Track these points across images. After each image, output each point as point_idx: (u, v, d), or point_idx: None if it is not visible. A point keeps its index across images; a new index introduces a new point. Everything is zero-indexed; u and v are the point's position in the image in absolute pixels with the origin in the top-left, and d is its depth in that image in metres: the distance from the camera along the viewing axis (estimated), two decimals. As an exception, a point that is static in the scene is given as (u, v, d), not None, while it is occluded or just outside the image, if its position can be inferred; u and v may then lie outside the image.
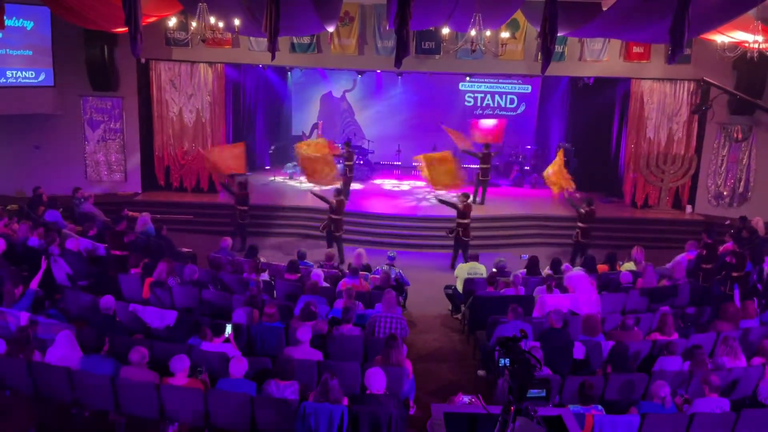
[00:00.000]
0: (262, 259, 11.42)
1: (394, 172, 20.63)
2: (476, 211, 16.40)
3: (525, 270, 11.09)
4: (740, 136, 16.59)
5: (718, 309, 8.81)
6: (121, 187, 17.08)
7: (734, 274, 10.61)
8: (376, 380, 6.08)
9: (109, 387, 6.19)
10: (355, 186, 17.97)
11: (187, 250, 12.35)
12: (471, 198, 14.39)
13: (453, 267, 13.02)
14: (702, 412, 6.13)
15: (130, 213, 13.41)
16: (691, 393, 6.72)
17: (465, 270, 11.01)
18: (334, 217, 13.70)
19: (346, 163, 17.06)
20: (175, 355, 6.40)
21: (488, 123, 18.53)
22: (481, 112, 21.71)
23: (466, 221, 13.61)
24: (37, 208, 12.78)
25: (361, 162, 19.62)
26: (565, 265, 11.26)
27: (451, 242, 13.90)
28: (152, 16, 12.79)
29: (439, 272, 13.23)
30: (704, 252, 11.36)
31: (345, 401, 6.03)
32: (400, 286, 10.60)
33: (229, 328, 7.42)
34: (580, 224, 13.75)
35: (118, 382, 6.21)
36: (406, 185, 19.11)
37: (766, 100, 15.89)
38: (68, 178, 15.60)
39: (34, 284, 8.24)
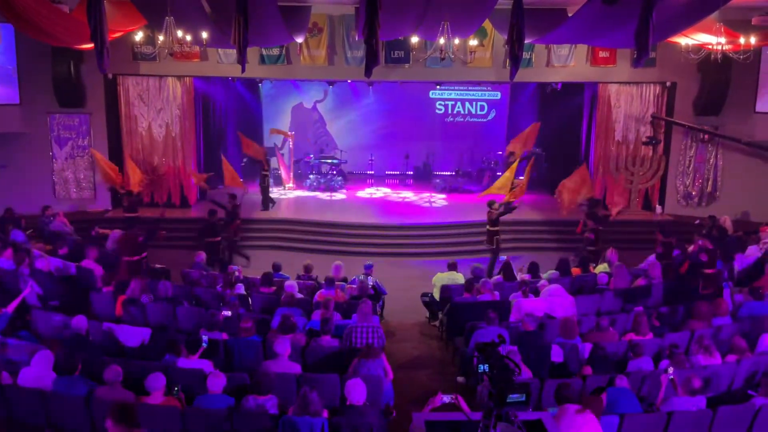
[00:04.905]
0: (237, 270, 11.27)
1: (367, 181, 20.64)
2: (451, 218, 16.58)
3: (501, 275, 11.13)
4: (706, 136, 16.86)
5: (690, 307, 8.92)
6: (90, 204, 16.83)
7: (706, 272, 10.77)
8: (356, 391, 6.04)
9: (83, 408, 6.07)
10: (335, 196, 18.53)
11: (160, 266, 12.17)
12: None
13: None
14: (679, 410, 6.19)
15: (101, 230, 13.21)
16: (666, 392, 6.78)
17: (442, 278, 11.02)
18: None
19: (263, 172, 17.28)
20: (150, 373, 6.30)
21: None
22: (452, 119, 21.86)
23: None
24: (5, 229, 12.52)
25: (335, 172, 19.77)
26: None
27: (430, 251, 13.89)
28: (117, 31, 12.65)
29: (416, 280, 13.21)
30: (660, 249, 11.66)
31: (325, 414, 5.98)
32: (377, 294, 10.57)
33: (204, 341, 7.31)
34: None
35: (93, 402, 6.09)
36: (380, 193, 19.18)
37: (730, 100, 16.21)
38: (36, 197, 15.28)
39: (10, 308, 8.06)
